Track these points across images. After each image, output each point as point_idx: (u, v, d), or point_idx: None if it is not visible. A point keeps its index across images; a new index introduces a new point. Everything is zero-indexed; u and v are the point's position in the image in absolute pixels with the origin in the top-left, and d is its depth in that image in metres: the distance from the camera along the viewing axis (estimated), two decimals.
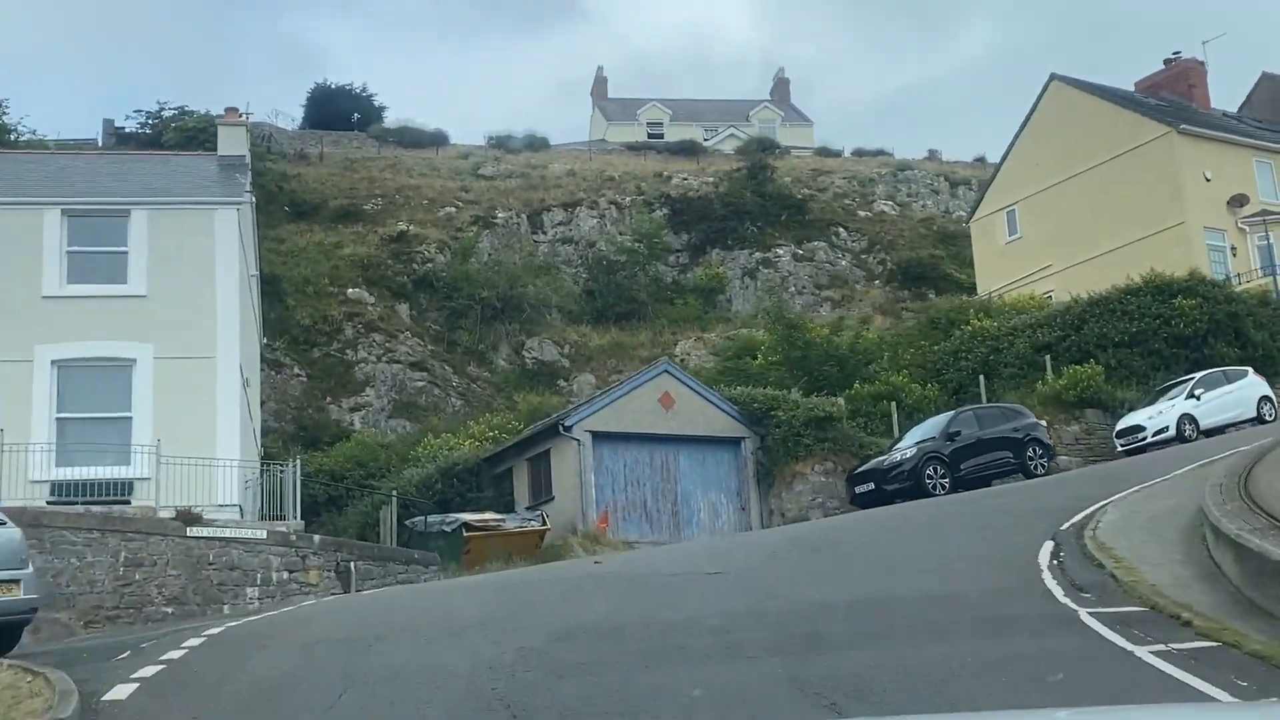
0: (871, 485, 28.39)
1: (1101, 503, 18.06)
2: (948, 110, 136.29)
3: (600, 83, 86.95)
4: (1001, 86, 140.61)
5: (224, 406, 24.74)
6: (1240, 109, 49.34)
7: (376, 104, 75.12)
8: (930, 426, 29.85)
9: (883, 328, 45.79)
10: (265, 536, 23.16)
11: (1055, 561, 14.11)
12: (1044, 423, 30.87)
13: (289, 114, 72.42)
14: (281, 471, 25.30)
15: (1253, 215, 41.32)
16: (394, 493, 30.19)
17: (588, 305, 52.89)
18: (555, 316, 51.53)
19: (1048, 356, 35.46)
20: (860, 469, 29.22)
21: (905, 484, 27.96)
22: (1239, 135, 43.35)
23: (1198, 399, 31.91)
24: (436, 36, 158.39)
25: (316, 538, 24.26)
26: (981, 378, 35.44)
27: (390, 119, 73.23)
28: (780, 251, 56.68)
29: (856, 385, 35.94)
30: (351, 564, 23.86)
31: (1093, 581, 12.64)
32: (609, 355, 49.43)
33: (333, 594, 23.55)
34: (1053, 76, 46.20)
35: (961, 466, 28.54)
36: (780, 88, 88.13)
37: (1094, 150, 43.43)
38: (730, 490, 31.75)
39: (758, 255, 56.70)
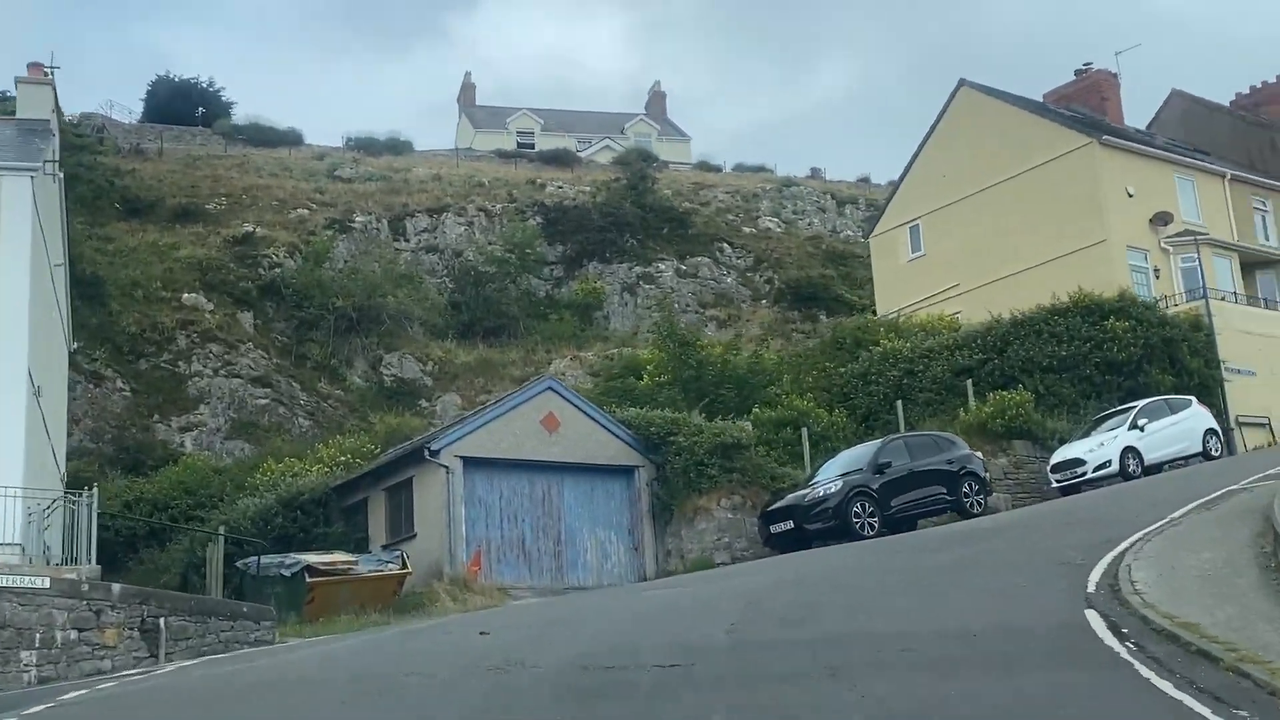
0: (790, 524, 24.50)
1: (1112, 555, 14.48)
2: (819, 138, 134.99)
3: (468, 89, 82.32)
4: (868, 118, 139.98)
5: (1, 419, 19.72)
6: (1149, 126, 47.17)
7: (224, 99, 69.48)
8: (854, 457, 26.11)
9: (778, 350, 42.22)
10: (48, 585, 18.17)
11: (1125, 645, 10.30)
12: (980, 454, 27.40)
13: (126, 106, 66.48)
14: (73, 504, 20.30)
15: (1177, 235, 38.82)
16: (221, 529, 25.28)
17: (453, 319, 48.31)
18: (417, 330, 46.82)
19: (969, 381, 32.14)
20: (776, 505, 25.30)
21: (830, 523, 24.16)
22: (1160, 150, 40.87)
23: (1141, 430, 28.84)
24: (298, 52, 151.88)
25: (116, 587, 19.30)
26: (900, 403, 31.95)
27: (240, 116, 67.65)
28: (662, 266, 52.88)
29: (756, 410, 32.15)
30: (161, 620, 19.01)
31: (1217, 684, 8.81)
32: (476, 374, 44.91)
33: (136, 658, 18.70)
34: (961, 82, 43.30)
35: (892, 503, 24.86)
36: (656, 101, 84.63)
37: (1007, 162, 40.56)
38: (621, 527, 27.59)
39: (638, 269, 52.80)
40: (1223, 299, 36.29)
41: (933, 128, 43.96)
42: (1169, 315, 33.98)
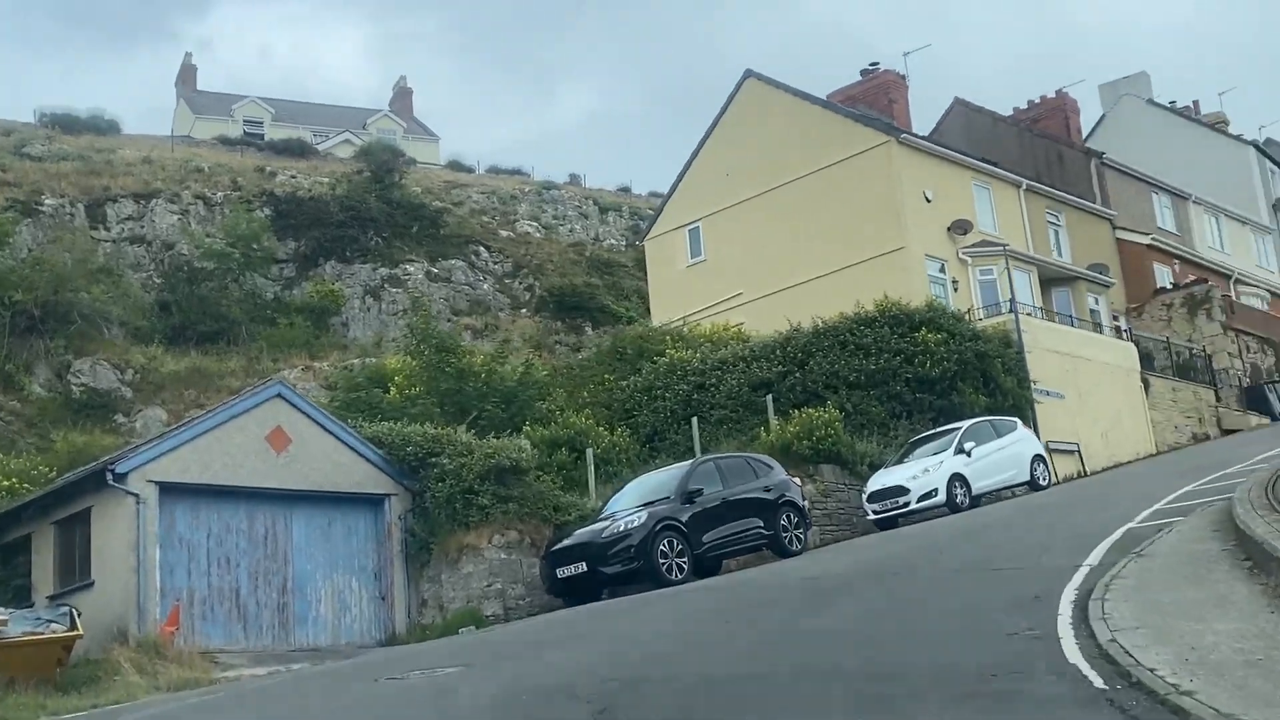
0: (583, 566, 19.86)
1: (1066, 615, 10.52)
2: (574, 150, 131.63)
3: (188, 70, 74.56)
4: (620, 133, 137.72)
5: None
6: (931, 135, 45.00)
7: None
8: (657, 483, 21.73)
9: (543, 362, 37.61)
10: None
11: None
12: (798, 480, 23.50)
13: None
14: None
15: (976, 245, 36.33)
16: None
17: (161, 321, 41.64)
18: (116, 332, 39.99)
19: (769, 397, 28.36)
20: (564, 543, 20.58)
21: (633, 564, 19.69)
22: (959, 154, 38.39)
23: (968, 455, 25.60)
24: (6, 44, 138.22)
25: None
26: (695, 421, 27.86)
27: None
28: (411, 268, 47.49)
29: (528, 428, 27.46)
30: None
31: None
32: (187, 384, 38.49)
33: None
34: (748, 73, 39.92)
35: (704, 539, 20.59)
36: (402, 97, 79.02)
37: (799, 160, 37.33)
38: (366, 572, 22.33)
39: (383, 271, 47.22)
40: (1029, 314, 33.83)
41: (716, 121, 40.41)
42: (980, 329, 31.14)
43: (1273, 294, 46.20)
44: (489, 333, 43.88)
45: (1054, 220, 40.74)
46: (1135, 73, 55.39)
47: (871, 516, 25.49)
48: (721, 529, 20.90)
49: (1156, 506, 17.15)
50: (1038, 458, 27.15)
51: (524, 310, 47.78)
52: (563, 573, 20.06)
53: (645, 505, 20.54)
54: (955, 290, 35.42)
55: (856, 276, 34.32)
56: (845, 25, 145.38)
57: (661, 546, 19.78)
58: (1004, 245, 36.38)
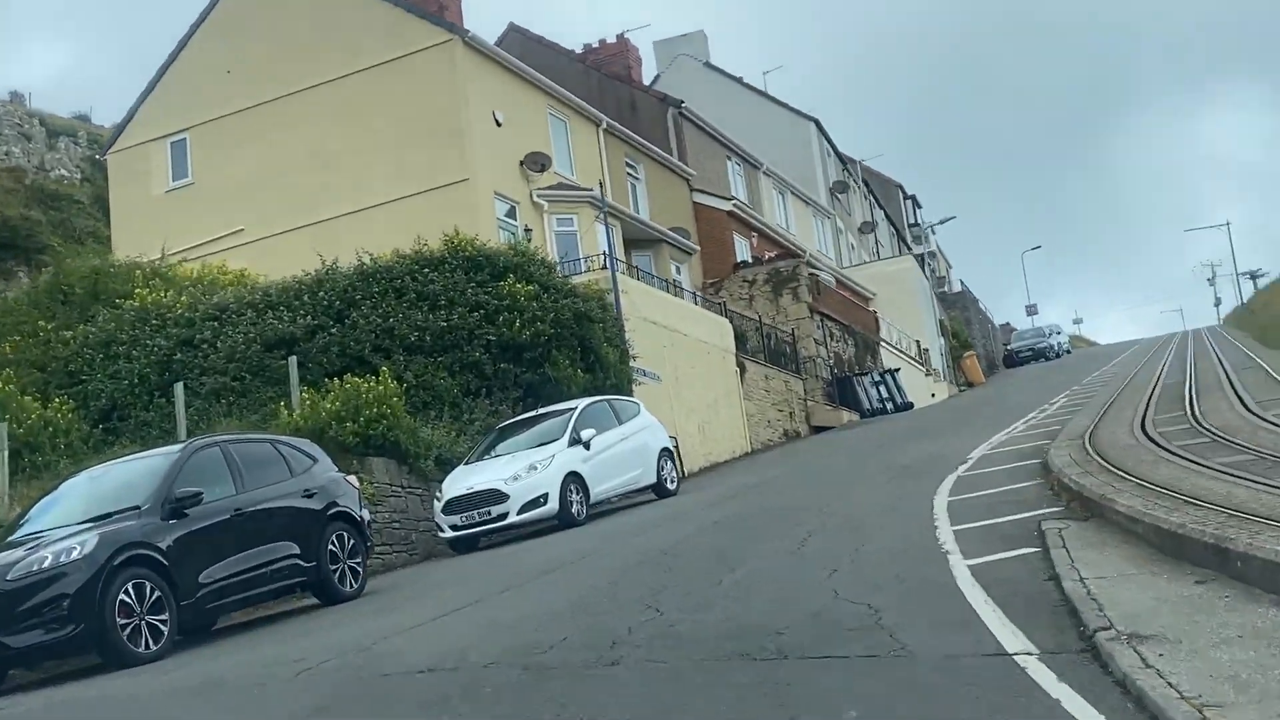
0: None
1: None
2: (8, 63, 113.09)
3: None
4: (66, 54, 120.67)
5: None
6: None
7: None
8: (121, 483, 12.66)
9: None
10: None
11: None
12: (354, 478, 15.25)
13: None
14: None
15: (555, 188, 29.46)
16: None
17: None
18: None
19: (293, 360, 19.86)
20: None
21: (66, 629, 10.73)
22: (535, 72, 31.11)
23: (586, 447, 18.45)
24: None
25: None
26: (179, 390, 18.82)
27: None
28: None
29: None
30: None
31: None
32: None
33: None
34: None
35: (200, 579, 11.89)
36: None
37: (331, 58, 28.87)
38: None
39: None
40: (625, 274, 27.37)
41: (212, 4, 31.02)
42: (578, 286, 24.19)
43: (839, 281, 42.86)
44: None
45: (633, 172, 34.73)
46: (693, 31, 50.99)
47: (447, 534, 17.78)
48: (230, 562, 12.27)
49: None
50: (666, 453, 20.46)
51: None
52: None
53: (96, 521, 11.56)
54: (529, 241, 28.26)
55: (406, 214, 26.42)
56: None
57: (123, 596, 10.96)
58: (589, 191, 29.71)
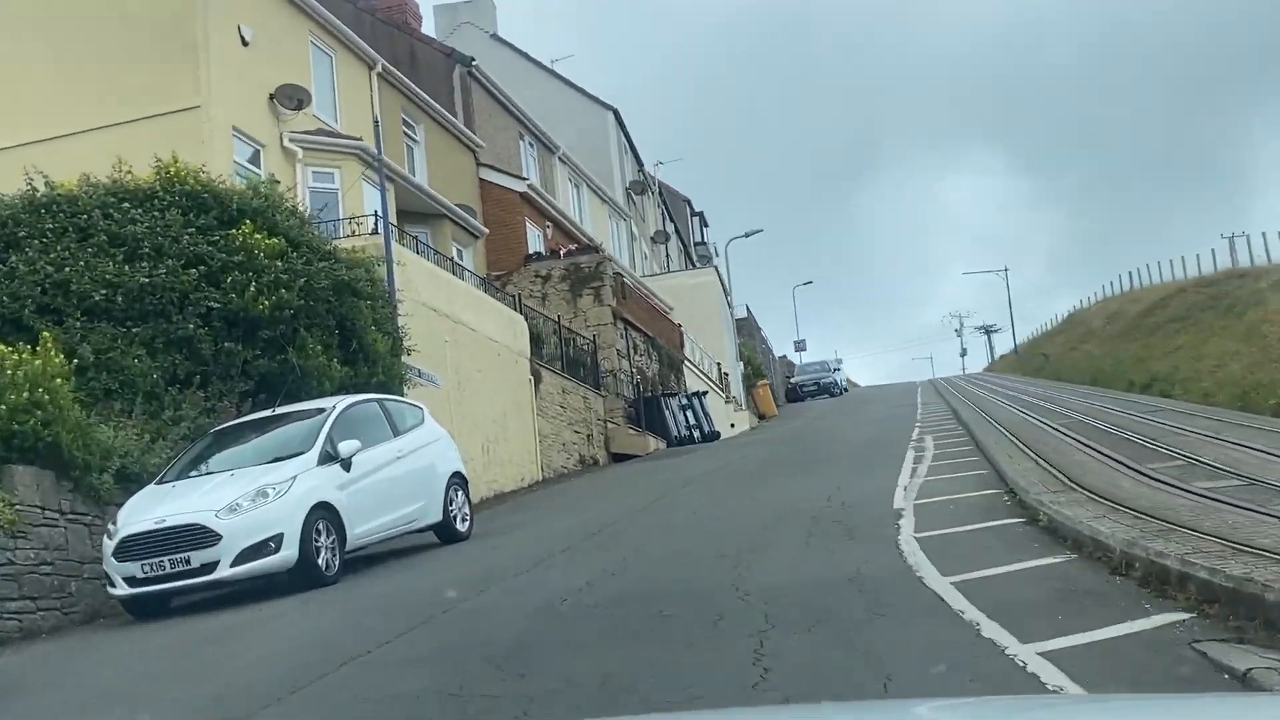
0: None
1: None
2: None
3: None
4: None
5: None
6: None
7: None
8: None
9: None
10: None
11: None
12: None
13: None
14: None
15: (314, 133, 23.40)
16: None
17: None
18: None
19: None
20: None
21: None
22: None
23: (345, 466, 12.65)
24: None
25: None
26: None
27: None
28: None
29: None
30: None
31: None
32: None
33: None
34: None
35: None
36: None
37: None
38: None
39: None
40: (402, 244, 21.59)
41: None
42: (341, 248, 18.31)
43: (639, 289, 37.81)
44: None
45: (411, 133, 28.83)
46: None
47: (120, 590, 11.68)
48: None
49: None
50: (457, 480, 14.74)
51: None
52: None
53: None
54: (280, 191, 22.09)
55: (118, 146, 19.86)
56: None
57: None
58: (357, 141, 23.77)
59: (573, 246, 31.69)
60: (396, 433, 13.95)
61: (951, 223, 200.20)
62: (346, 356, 16.92)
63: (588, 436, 27.27)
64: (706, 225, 68.08)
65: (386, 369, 17.84)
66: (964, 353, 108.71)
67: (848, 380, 73.63)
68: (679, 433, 30.11)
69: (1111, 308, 58.37)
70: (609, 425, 28.41)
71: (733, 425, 39.50)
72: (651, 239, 50.28)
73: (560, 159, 37.19)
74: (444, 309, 21.56)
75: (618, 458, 27.99)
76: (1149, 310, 48.37)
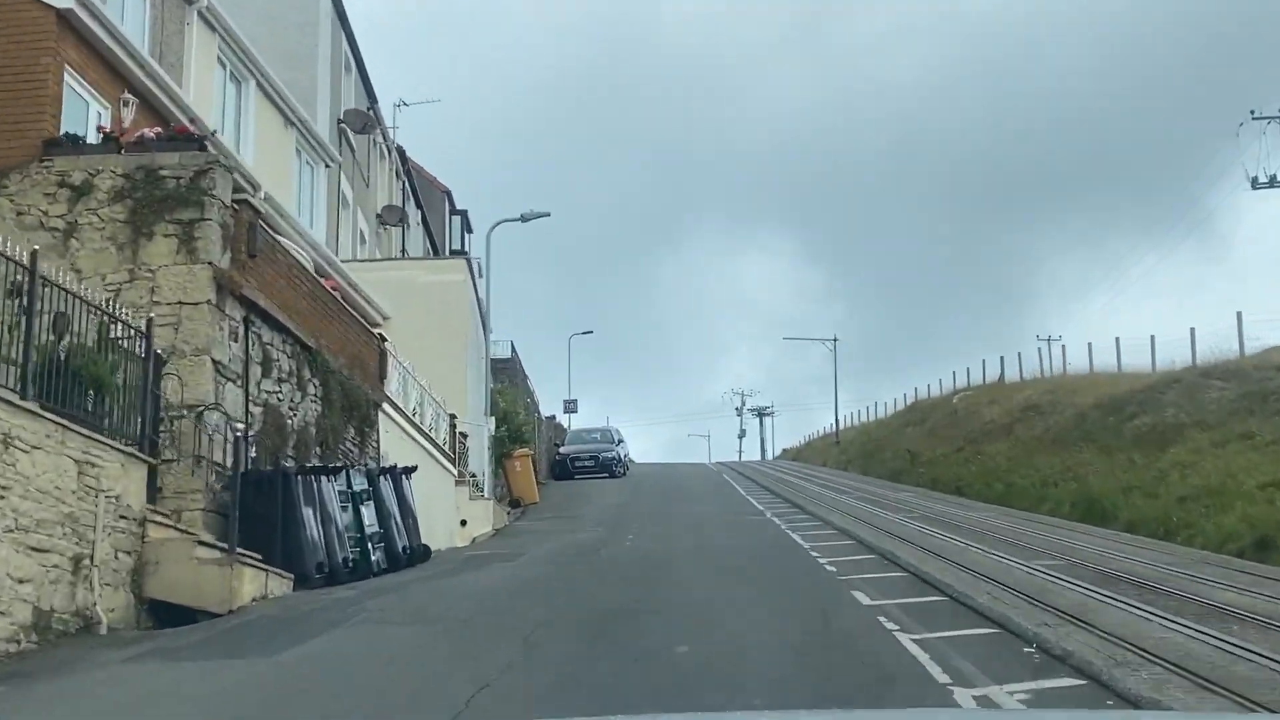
0: None
1: None
2: None
3: None
4: None
5: None
6: None
7: None
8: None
9: None
10: None
11: None
12: None
13: None
14: None
15: None
16: None
17: None
18: None
19: None
20: None
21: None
22: None
23: None
24: None
25: None
26: None
27: None
28: None
29: None
30: None
31: None
32: None
33: None
34: None
35: None
36: None
37: None
38: None
39: None
40: None
41: None
42: None
43: (319, 270, 21.88)
44: None
45: None
46: None
47: None
48: None
49: None
50: None
51: None
52: None
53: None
54: None
55: None
56: None
57: None
58: None
59: (157, 130, 15.49)
60: None
61: (743, 305, 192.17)
62: None
63: (79, 561, 11.11)
64: (470, 230, 52.44)
65: None
66: (743, 434, 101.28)
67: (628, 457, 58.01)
68: (328, 556, 14.29)
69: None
70: (156, 533, 12.34)
71: (464, 523, 23.90)
72: (379, 216, 34.15)
73: (202, 13, 20.84)
74: None
75: (163, 613, 11.91)
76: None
